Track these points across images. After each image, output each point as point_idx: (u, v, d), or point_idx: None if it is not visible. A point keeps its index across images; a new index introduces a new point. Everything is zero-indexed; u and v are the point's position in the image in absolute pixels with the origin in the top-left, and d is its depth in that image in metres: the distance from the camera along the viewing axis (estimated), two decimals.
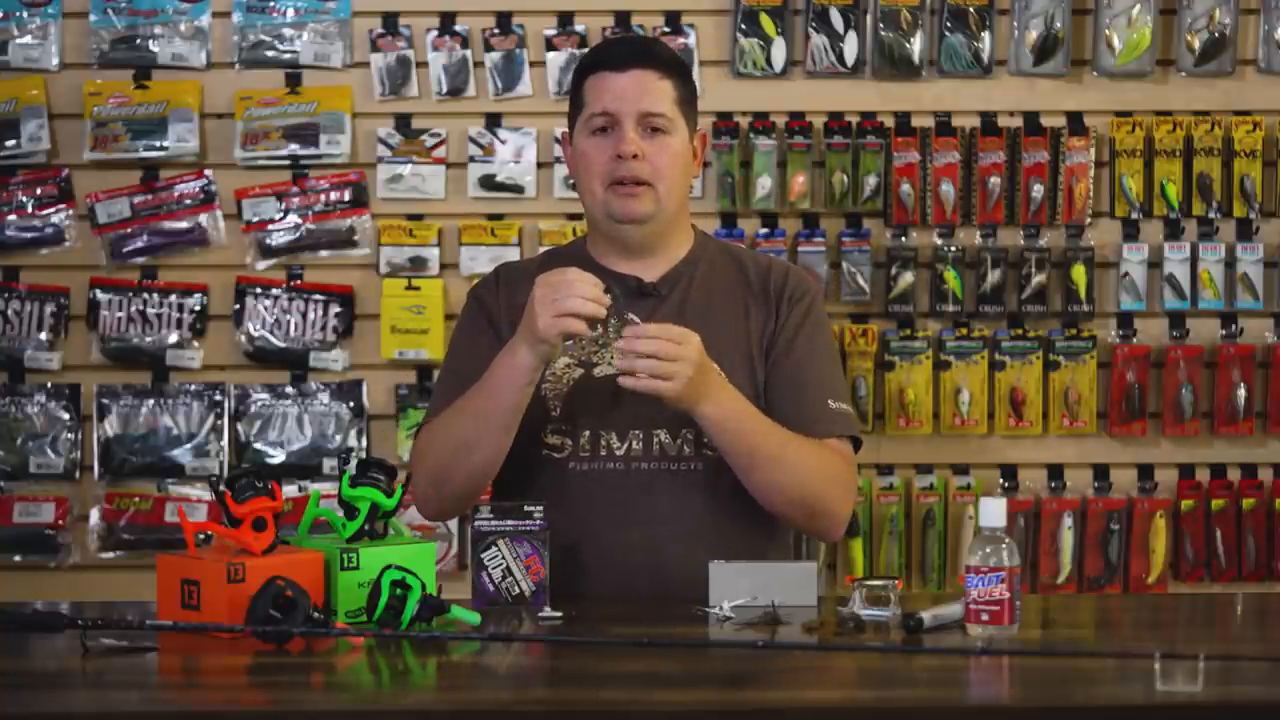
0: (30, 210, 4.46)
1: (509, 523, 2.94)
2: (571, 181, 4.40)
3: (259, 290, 4.48)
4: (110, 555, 4.45)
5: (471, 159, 4.47)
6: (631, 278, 3.21)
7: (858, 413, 4.38)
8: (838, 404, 3.20)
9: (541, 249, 4.34)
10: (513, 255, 4.42)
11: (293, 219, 4.47)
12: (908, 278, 4.45)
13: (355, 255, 4.49)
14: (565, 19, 4.46)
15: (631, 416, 3.17)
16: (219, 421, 4.47)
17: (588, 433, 3.18)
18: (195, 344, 4.49)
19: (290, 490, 4.36)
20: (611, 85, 3.18)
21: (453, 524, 4.40)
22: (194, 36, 4.48)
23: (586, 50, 3.46)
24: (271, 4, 4.48)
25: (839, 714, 2.39)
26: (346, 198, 4.48)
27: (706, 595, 2.91)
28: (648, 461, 3.17)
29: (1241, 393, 4.46)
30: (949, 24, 4.44)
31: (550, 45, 4.45)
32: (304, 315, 4.47)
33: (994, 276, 4.44)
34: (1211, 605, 3.43)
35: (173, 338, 4.48)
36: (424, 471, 3.16)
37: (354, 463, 2.86)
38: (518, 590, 2.93)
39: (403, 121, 4.47)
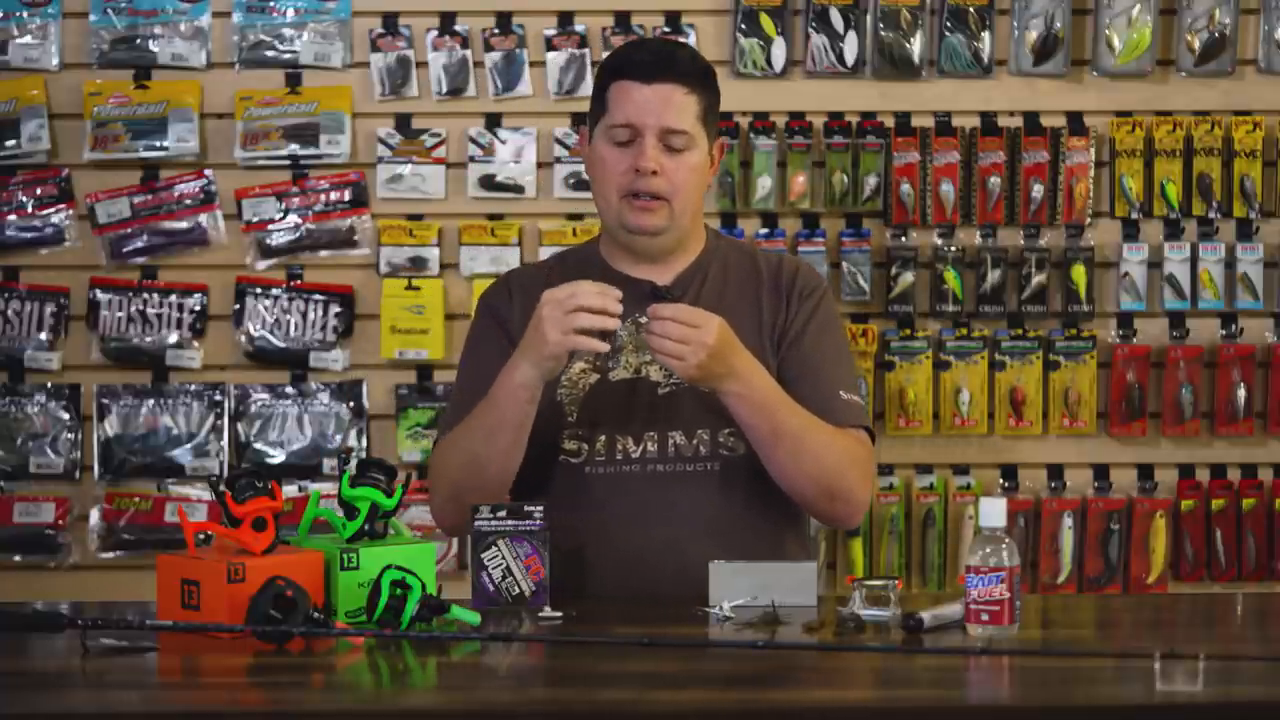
0: (30, 210, 4.46)
1: (509, 523, 2.93)
2: (573, 180, 4.43)
3: (259, 290, 4.48)
4: (110, 555, 4.45)
5: (471, 159, 4.47)
6: (645, 282, 3.20)
7: None
8: (849, 395, 3.20)
9: (543, 251, 4.34)
10: (513, 255, 4.42)
11: (293, 219, 4.47)
12: (908, 278, 4.45)
13: (355, 255, 4.49)
14: (565, 19, 4.46)
15: (647, 419, 3.17)
16: (219, 421, 4.47)
17: (604, 437, 3.17)
18: (195, 344, 4.48)
19: (290, 490, 4.36)
20: (635, 97, 3.15)
21: None
22: (194, 36, 4.48)
23: (611, 52, 3.42)
24: (271, 4, 4.47)
25: (839, 714, 2.39)
26: (346, 198, 4.48)
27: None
28: (664, 463, 3.17)
29: (1241, 393, 4.46)
30: (949, 24, 4.44)
31: (550, 45, 4.45)
32: (304, 315, 4.47)
33: (994, 276, 4.44)
34: (1211, 605, 3.43)
35: (173, 338, 4.48)
36: (441, 487, 3.17)
37: (354, 463, 2.86)
38: (518, 590, 2.93)
39: (403, 121, 4.47)
